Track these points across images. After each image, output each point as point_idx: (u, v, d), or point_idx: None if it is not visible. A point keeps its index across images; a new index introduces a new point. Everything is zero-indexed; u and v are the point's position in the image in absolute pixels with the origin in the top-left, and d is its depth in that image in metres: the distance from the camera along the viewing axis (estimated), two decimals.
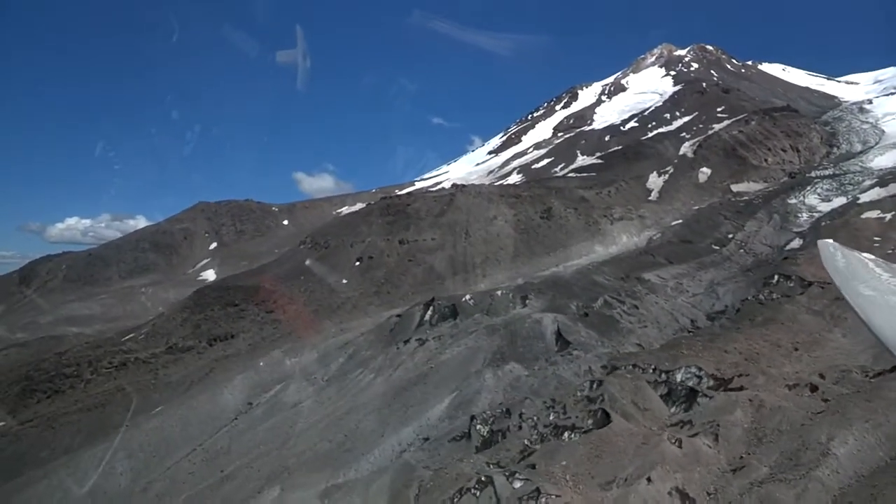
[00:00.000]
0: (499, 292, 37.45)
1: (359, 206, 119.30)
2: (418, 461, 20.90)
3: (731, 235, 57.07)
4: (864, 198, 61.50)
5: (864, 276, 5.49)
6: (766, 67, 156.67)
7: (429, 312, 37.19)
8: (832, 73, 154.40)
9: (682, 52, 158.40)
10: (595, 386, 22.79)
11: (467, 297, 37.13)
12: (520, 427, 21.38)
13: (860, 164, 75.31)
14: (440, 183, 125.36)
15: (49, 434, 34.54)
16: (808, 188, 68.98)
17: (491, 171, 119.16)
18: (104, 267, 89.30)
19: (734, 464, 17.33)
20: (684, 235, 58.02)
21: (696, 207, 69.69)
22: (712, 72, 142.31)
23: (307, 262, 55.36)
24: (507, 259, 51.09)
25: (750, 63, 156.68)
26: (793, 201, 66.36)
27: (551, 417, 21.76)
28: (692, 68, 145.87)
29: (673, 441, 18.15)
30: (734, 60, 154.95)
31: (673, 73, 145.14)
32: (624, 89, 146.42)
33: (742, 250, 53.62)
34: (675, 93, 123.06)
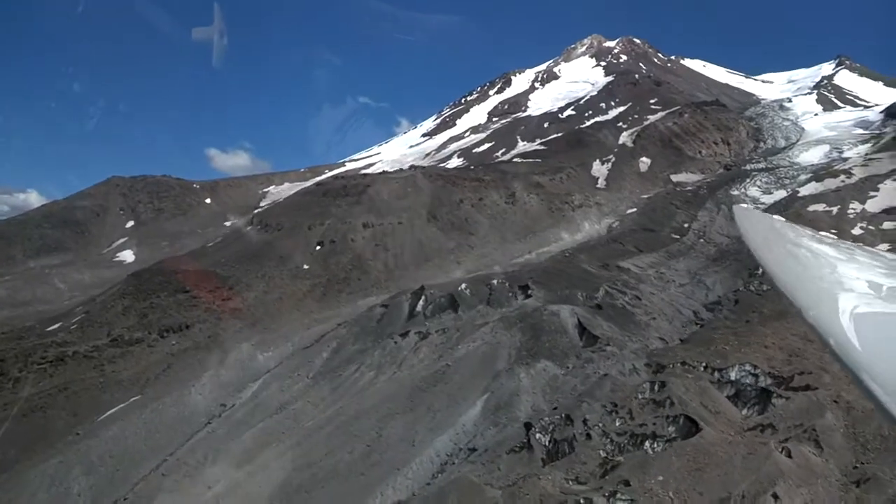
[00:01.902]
0: (495, 281, 35.12)
1: (287, 185, 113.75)
2: (478, 477, 18.27)
3: (686, 225, 57.48)
4: (804, 191, 63.56)
5: (772, 234, 5.66)
6: (688, 63, 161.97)
7: (420, 302, 34.33)
8: (748, 72, 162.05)
9: (611, 44, 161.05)
10: (657, 387, 20.98)
11: (463, 286, 34.55)
12: (587, 436, 19.22)
13: (788, 159, 78.42)
14: (373, 164, 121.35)
15: None
16: (748, 181, 71.00)
17: (427, 154, 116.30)
18: (6, 245, 79.35)
19: (851, 475, 15.91)
20: (643, 224, 57.90)
21: (645, 196, 70.15)
22: (641, 65, 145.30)
23: (258, 244, 50.85)
24: (479, 244, 48.85)
25: (673, 58, 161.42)
26: (735, 192, 68.06)
27: (618, 423, 19.76)
28: (621, 60, 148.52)
29: (780, 450, 16.52)
30: (660, 55, 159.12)
31: (603, 63, 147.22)
32: (556, 77, 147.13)
33: (702, 240, 53.86)
34: (608, 83, 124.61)
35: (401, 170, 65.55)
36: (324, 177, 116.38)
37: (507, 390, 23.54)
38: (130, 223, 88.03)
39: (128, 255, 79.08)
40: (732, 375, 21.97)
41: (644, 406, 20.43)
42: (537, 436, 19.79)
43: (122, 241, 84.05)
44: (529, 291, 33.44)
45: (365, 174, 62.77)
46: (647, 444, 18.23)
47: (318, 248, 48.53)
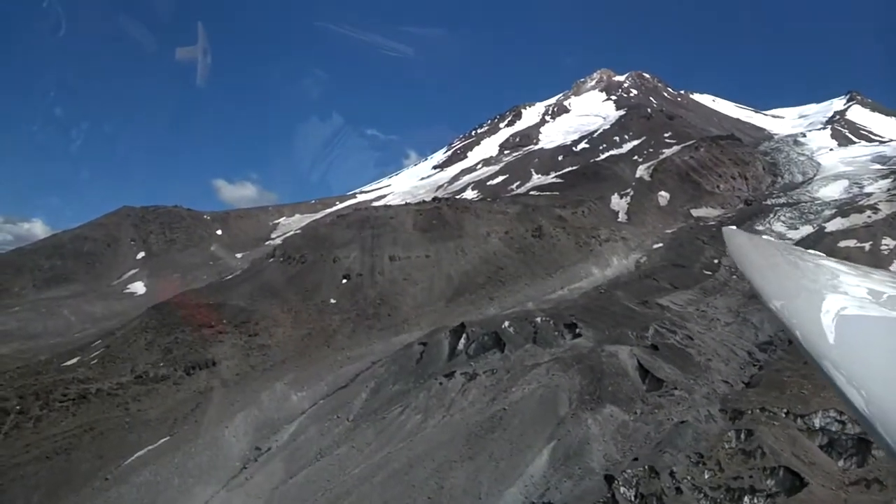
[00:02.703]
0: (538, 319, 33.69)
1: (298, 216, 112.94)
2: None
3: (716, 261, 56.26)
4: (830, 227, 62.77)
5: (765, 259, 5.64)
6: (697, 97, 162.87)
7: (461, 341, 32.85)
8: (757, 107, 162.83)
9: (620, 78, 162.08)
10: (744, 436, 19.47)
11: (506, 324, 33.11)
12: (678, 490, 17.67)
13: (808, 194, 77.76)
14: (384, 196, 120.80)
15: None
16: (771, 216, 70.09)
17: (440, 186, 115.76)
18: (15, 275, 78.09)
19: None
20: (672, 259, 56.73)
21: (669, 231, 69.13)
22: (651, 98, 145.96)
23: (282, 277, 49.49)
24: (510, 280, 47.48)
25: (683, 92, 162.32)
26: (760, 228, 67.12)
27: (706, 476, 18.20)
28: (632, 94, 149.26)
29: None
30: (670, 89, 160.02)
31: (614, 97, 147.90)
32: (567, 111, 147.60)
33: (734, 276, 52.47)
34: (621, 117, 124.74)
35: (423, 202, 64.55)
36: (335, 208, 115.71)
37: (575, 438, 21.99)
38: (141, 254, 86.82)
39: (139, 287, 77.72)
40: (817, 422, 20.51)
41: (732, 456, 18.92)
42: (621, 490, 18.24)
43: (132, 272, 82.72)
44: (578, 330, 32.01)
45: (388, 206, 61.71)
46: (746, 499, 16.69)
47: (344, 281, 47.20)
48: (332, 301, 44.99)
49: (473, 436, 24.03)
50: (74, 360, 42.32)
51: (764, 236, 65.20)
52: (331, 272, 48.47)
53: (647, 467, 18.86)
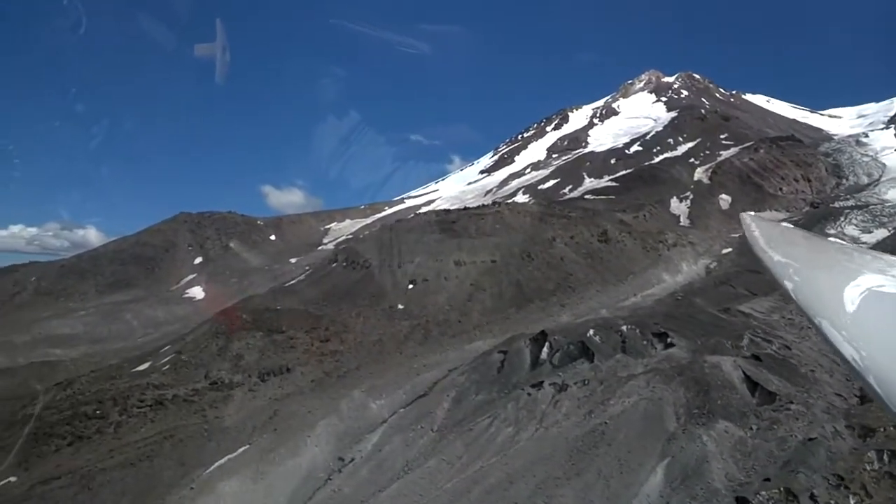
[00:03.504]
0: (624, 327, 32.28)
1: (348, 221, 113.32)
2: None
3: None
4: None
5: (782, 241, 5.68)
6: (750, 98, 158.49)
7: (544, 349, 31.65)
8: (812, 107, 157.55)
9: (669, 80, 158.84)
10: (888, 458, 17.87)
11: (591, 332, 31.79)
12: None
13: (876, 196, 74.45)
14: (432, 200, 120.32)
15: (85, 497, 27.23)
16: (842, 219, 67.07)
17: (489, 191, 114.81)
18: (80, 280, 79.91)
19: None
20: (745, 265, 54.32)
21: (736, 235, 66.60)
22: (703, 99, 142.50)
23: (347, 282, 49.06)
24: (580, 286, 46.08)
25: (734, 93, 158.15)
26: (831, 231, 64.34)
27: (852, 501, 16.68)
28: (682, 95, 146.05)
29: None
30: (722, 90, 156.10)
31: (664, 99, 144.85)
32: (616, 113, 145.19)
33: None
34: (673, 118, 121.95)
35: (483, 205, 63.59)
36: (385, 213, 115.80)
37: (690, 455, 20.61)
38: (199, 259, 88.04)
39: (197, 292, 78.66)
40: None
41: (878, 481, 17.35)
42: None
43: (190, 277, 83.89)
44: (669, 339, 30.51)
45: (447, 210, 60.94)
46: None
47: (410, 286, 46.49)
48: (401, 306, 44.31)
49: (576, 451, 22.81)
50: (146, 366, 42.48)
51: (836, 240, 62.56)
52: (395, 277, 47.85)
53: (782, 489, 17.40)
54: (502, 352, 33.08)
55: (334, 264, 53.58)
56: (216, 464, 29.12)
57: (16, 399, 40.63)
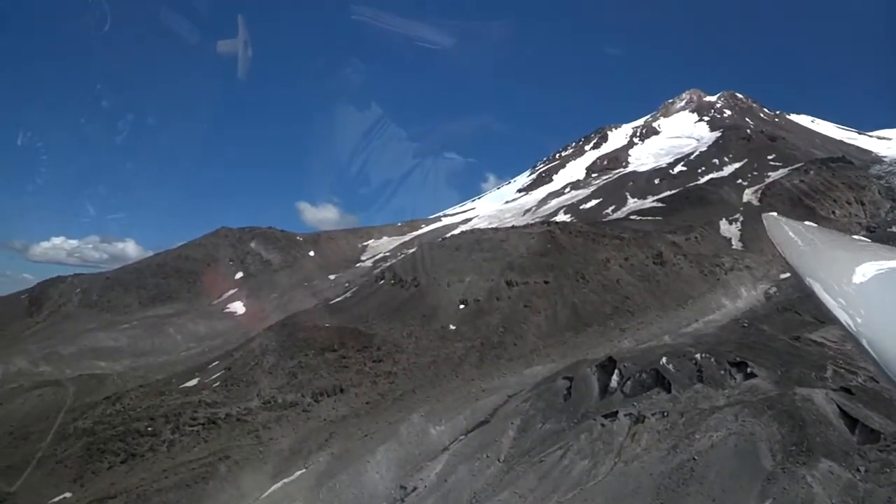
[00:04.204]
0: (698, 356, 30.62)
1: (386, 239, 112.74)
2: None
3: None
4: None
5: (805, 242, 5.72)
6: (794, 118, 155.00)
7: (614, 378, 30.14)
8: (860, 128, 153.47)
9: (712, 99, 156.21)
10: None
11: (664, 360, 30.21)
12: None
13: None
14: (470, 219, 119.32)
15: None
16: None
17: (528, 210, 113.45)
18: (123, 292, 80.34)
19: None
20: (806, 290, 52.21)
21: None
22: (747, 119, 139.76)
23: (396, 301, 48.07)
24: (639, 311, 44.39)
25: (778, 113, 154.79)
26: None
27: None
28: (725, 115, 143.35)
29: None
30: (766, 109, 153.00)
31: (706, 118, 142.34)
32: (656, 132, 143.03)
33: None
34: (718, 138, 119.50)
35: (531, 224, 62.32)
36: (422, 231, 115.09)
37: (794, 497, 18.94)
38: (239, 274, 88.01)
39: (238, 307, 78.46)
40: None
41: None
42: None
43: (231, 291, 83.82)
44: (749, 369, 28.77)
45: (495, 229, 59.78)
46: None
47: (461, 306, 45.33)
48: (452, 327, 43.12)
49: (663, 489, 21.24)
50: (195, 382, 41.90)
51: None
52: (447, 296, 46.73)
53: None
54: (568, 378, 31.63)
55: (381, 281, 52.70)
56: (272, 488, 28.14)
57: (68, 411, 40.34)
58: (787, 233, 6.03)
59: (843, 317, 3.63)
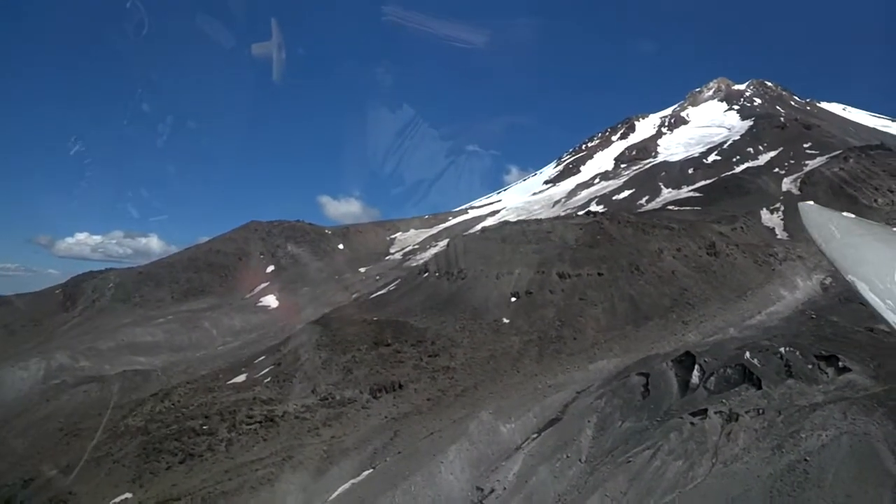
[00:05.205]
0: (782, 349, 29.03)
1: (413, 231, 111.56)
2: None
3: None
4: None
5: (844, 234, 5.55)
6: (825, 106, 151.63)
7: (694, 373, 28.63)
8: (892, 115, 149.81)
9: (740, 87, 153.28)
10: None
11: (748, 354, 28.66)
12: None
13: None
14: (497, 211, 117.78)
15: None
16: None
17: (557, 202, 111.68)
18: (155, 287, 79.84)
19: None
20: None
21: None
22: (778, 107, 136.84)
23: (443, 294, 46.74)
24: (699, 303, 42.75)
25: (809, 101, 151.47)
26: None
27: None
28: (756, 103, 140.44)
29: None
30: (796, 97, 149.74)
31: (736, 107, 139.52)
32: (685, 122, 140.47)
33: None
34: (751, 127, 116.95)
35: (575, 215, 60.71)
36: (449, 223, 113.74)
37: None
38: (271, 267, 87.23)
39: (271, 301, 77.70)
40: None
41: None
42: None
43: (263, 285, 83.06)
44: (841, 363, 27.16)
45: (539, 220, 58.21)
46: None
47: (513, 299, 43.92)
48: (506, 320, 41.76)
49: (776, 493, 19.75)
50: (243, 378, 40.89)
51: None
52: (497, 289, 45.35)
53: None
54: (643, 374, 30.16)
55: (425, 274, 51.40)
56: (340, 489, 26.97)
57: (115, 408, 39.49)
58: (826, 224, 5.85)
59: (892, 318, 3.50)
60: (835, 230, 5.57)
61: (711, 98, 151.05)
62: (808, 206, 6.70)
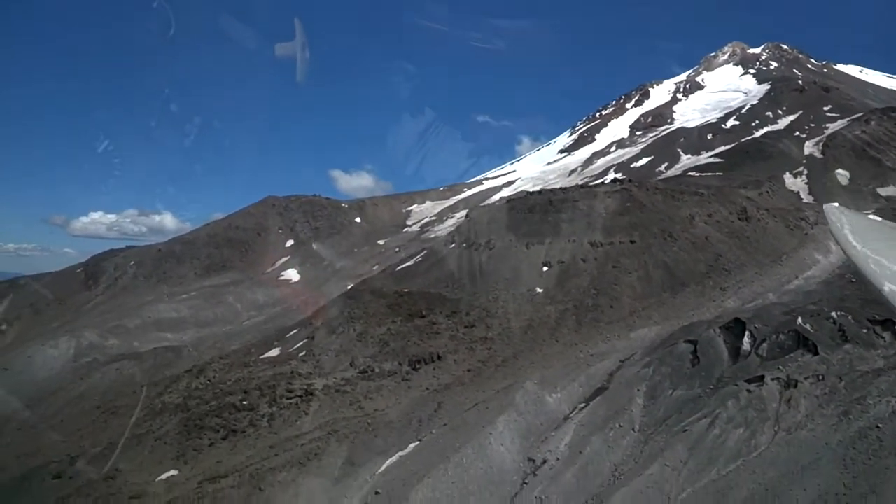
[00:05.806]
0: (834, 314, 28.43)
1: (429, 203, 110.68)
2: None
3: None
4: None
5: (870, 237, 5.58)
6: (842, 68, 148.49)
7: (745, 340, 28.08)
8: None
9: (756, 51, 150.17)
10: None
11: (800, 320, 28.07)
12: None
13: None
14: (513, 182, 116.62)
15: (259, 499, 25.12)
16: None
17: (573, 171, 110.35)
18: (177, 264, 79.86)
19: None
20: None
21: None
22: (795, 70, 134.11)
23: (472, 264, 46.17)
24: (735, 269, 42.03)
25: (825, 63, 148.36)
26: None
27: None
28: (772, 66, 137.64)
29: None
30: (813, 60, 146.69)
31: (752, 71, 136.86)
32: (700, 87, 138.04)
33: None
34: (769, 91, 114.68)
35: (603, 182, 59.81)
36: (465, 195, 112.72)
37: None
38: (290, 242, 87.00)
39: (293, 274, 77.62)
40: None
41: None
42: None
43: (284, 259, 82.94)
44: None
45: (564, 189, 57.31)
46: None
47: (545, 269, 43.33)
48: (539, 290, 41.23)
49: (850, 461, 19.26)
50: (276, 352, 40.73)
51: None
52: (528, 259, 44.74)
53: None
54: (690, 342, 29.62)
55: (452, 245, 50.79)
56: (388, 462, 26.75)
57: (150, 385, 39.45)
58: (851, 230, 5.81)
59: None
60: (861, 238, 5.53)
61: (727, 62, 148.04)
62: (833, 209, 6.85)
